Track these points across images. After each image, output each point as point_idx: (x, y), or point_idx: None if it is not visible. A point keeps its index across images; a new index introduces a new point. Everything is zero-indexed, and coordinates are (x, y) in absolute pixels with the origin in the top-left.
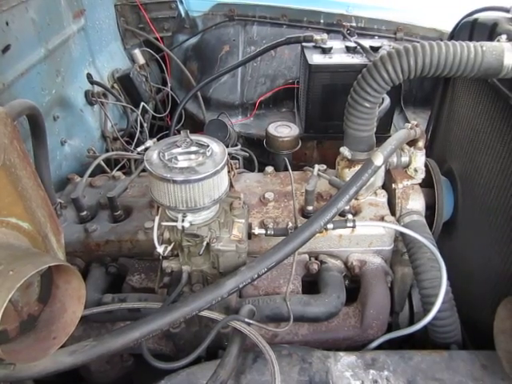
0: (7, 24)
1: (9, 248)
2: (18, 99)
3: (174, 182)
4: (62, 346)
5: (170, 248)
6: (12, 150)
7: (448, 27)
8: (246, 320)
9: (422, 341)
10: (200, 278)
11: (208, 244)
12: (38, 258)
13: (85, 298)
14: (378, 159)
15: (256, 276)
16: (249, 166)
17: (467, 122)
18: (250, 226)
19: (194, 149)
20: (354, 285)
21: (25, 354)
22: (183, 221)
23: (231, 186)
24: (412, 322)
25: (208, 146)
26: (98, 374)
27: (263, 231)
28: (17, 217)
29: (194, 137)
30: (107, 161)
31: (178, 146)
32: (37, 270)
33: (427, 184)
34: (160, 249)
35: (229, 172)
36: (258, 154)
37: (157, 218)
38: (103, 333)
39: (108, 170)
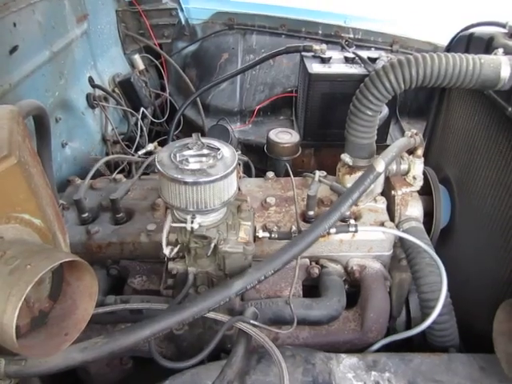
0: (15, 25)
1: (24, 243)
2: (24, 99)
3: (186, 183)
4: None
5: (176, 250)
6: (24, 148)
7: (442, 41)
8: (252, 321)
9: (419, 345)
10: (205, 279)
11: (215, 246)
12: (54, 253)
13: (97, 295)
14: (380, 165)
15: (263, 278)
16: (246, 172)
17: (463, 132)
18: (254, 229)
19: (205, 151)
20: (354, 289)
21: (37, 349)
22: (192, 222)
23: (238, 189)
24: (409, 327)
25: (219, 149)
26: (97, 377)
27: (267, 234)
28: (30, 213)
29: (205, 140)
30: (107, 164)
31: (190, 149)
32: (54, 265)
33: (424, 191)
34: (166, 250)
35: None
36: (257, 160)
37: (168, 218)
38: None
39: (108, 173)
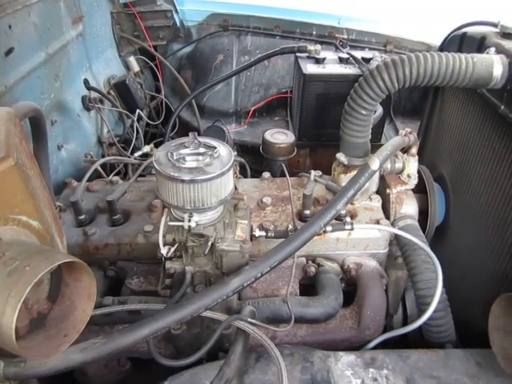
0: (10, 27)
1: (23, 244)
2: (20, 101)
3: (183, 181)
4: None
5: (173, 249)
6: (21, 150)
7: (435, 41)
8: (249, 320)
9: (415, 342)
10: (203, 278)
11: (212, 244)
12: (52, 254)
13: (95, 295)
14: (375, 164)
15: (259, 275)
16: (242, 173)
17: (457, 131)
18: (251, 229)
19: (201, 150)
20: (350, 287)
21: (36, 351)
22: (189, 220)
23: (235, 187)
24: (406, 324)
25: (215, 147)
26: (94, 379)
27: (264, 233)
28: (27, 215)
29: (202, 139)
30: (103, 166)
31: (187, 147)
32: (52, 266)
33: (419, 190)
34: (164, 250)
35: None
36: (252, 161)
37: (163, 218)
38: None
39: (105, 175)
